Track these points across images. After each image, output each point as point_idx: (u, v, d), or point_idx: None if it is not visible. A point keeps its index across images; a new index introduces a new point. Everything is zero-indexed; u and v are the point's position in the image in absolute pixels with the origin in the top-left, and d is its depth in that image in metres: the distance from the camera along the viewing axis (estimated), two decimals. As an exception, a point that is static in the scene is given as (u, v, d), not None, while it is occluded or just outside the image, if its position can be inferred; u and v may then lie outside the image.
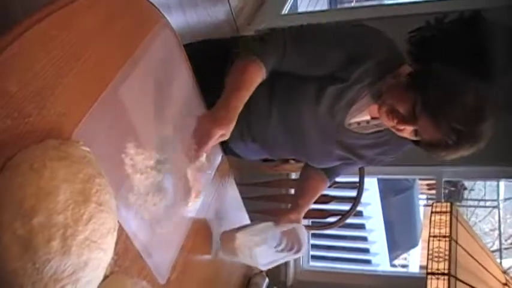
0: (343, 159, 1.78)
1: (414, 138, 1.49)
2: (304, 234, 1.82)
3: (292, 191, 3.11)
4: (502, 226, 6.80)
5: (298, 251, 1.82)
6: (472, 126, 1.37)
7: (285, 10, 4.02)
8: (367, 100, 1.59)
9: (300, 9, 4.64)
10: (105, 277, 1.03)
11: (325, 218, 2.57)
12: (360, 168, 2.41)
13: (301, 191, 1.93)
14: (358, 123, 1.65)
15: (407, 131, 1.47)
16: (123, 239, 1.14)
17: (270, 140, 1.75)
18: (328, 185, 1.98)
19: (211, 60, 1.70)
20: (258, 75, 1.51)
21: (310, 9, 4.97)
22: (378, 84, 1.56)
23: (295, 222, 1.81)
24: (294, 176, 3.00)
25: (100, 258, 0.91)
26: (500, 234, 6.53)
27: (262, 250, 1.67)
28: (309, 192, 1.92)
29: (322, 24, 1.65)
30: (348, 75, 1.54)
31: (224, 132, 1.42)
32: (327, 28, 1.63)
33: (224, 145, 1.79)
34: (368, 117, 1.64)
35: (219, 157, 1.73)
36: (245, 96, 1.47)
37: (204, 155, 1.49)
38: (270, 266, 1.76)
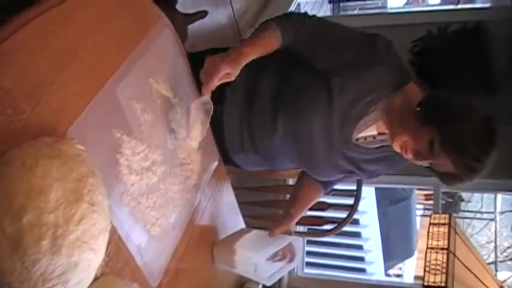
0: (346, 172, 1.78)
1: (427, 166, 1.51)
2: (299, 245, 1.81)
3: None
4: (498, 239, 6.81)
5: (291, 261, 1.80)
6: (486, 160, 1.40)
7: (288, 15, 4.01)
8: (375, 115, 1.59)
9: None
10: (96, 278, 1.02)
11: (322, 225, 2.56)
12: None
13: (294, 200, 1.92)
14: (365, 138, 1.64)
15: (421, 162, 1.49)
16: (115, 240, 1.13)
17: (273, 152, 1.74)
18: (323, 195, 1.96)
19: None
20: (273, 40, 1.56)
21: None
22: (386, 100, 1.56)
23: (287, 232, 1.81)
24: (291, 181, 2.99)
25: (91, 259, 0.90)
26: (496, 247, 6.53)
27: (262, 263, 1.66)
28: (302, 201, 1.91)
29: (339, 24, 1.67)
30: (354, 74, 1.55)
31: (230, 72, 1.43)
32: (344, 26, 1.65)
33: (225, 156, 1.78)
34: (375, 133, 1.64)
35: (215, 161, 1.72)
36: (257, 49, 1.51)
37: (209, 94, 1.46)
38: (274, 281, 1.75)
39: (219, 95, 1.64)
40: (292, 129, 1.63)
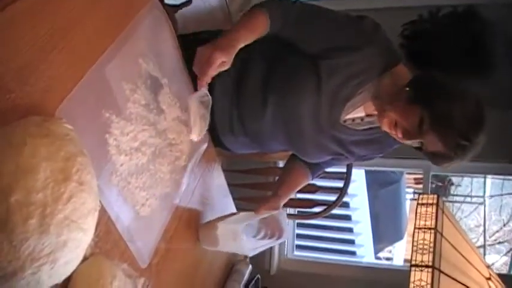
0: (335, 154, 1.78)
1: (416, 146, 1.51)
2: (284, 220, 1.82)
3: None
4: (487, 223, 6.86)
5: (280, 237, 1.81)
6: (476, 139, 1.41)
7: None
8: (363, 97, 1.59)
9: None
10: (85, 258, 1.02)
11: (311, 207, 2.57)
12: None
13: (282, 182, 1.92)
14: (353, 119, 1.64)
15: (410, 141, 1.49)
16: (104, 221, 1.13)
17: (262, 134, 1.74)
18: (311, 179, 1.97)
19: None
20: (263, 25, 1.55)
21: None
22: (374, 82, 1.56)
23: (273, 210, 1.81)
24: (281, 164, 2.99)
25: (80, 238, 0.90)
26: (484, 231, 6.58)
27: (244, 238, 1.66)
28: (289, 184, 1.91)
29: (328, 9, 1.67)
30: (342, 57, 1.55)
31: (225, 60, 1.42)
32: (330, 10, 1.65)
33: (214, 138, 1.78)
34: (363, 114, 1.64)
35: (205, 142, 1.72)
36: (247, 35, 1.50)
37: (206, 87, 1.46)
38: (257, 252, 1.75)
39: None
40: (282, 113, 1.64)
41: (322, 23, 1.60)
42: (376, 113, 1.58)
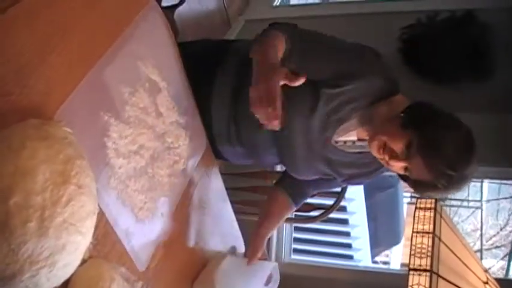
0: (324, 174, 1.77)
1: (402, 173, 1.50)
2: (276, 270, 1.81)
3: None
4: (483, 227, 6.86)
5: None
6: (463, 171, 1.40)
7: (277, 2, 4.00)
8: (356, 122, 1.58)
9: (292, 2, 4.62)
10: (83, 261, 1.02)
11: (309, 211, 2.57)
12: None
13: (265, 216, 1.90)
14: (345, 142, 1.64)
15: (397, 166, 1.48)
16: (103, 224, 1.13)
17: (258, 147, 1.73)
18: (294, 209, 1.97)
19: (203, 60, 1.70)
20: (281, 46, 1.50)
21: (302, 1, 4.95)
22: (370, 109, 1.55)
23: (263, 256, 1.82)
24: (279, 168, 3.00)
25: (78, 241, 0.90)
26: (481, 235, 6.58)
27: None
28: (273, 218, 1.90)
29: (328, 36, 1.65)
30: (343, 84, 1.53)
31: (282, 78, 1.32)
32: (330, 37, 1.64)
33: (212, 148, 1.78)
34: (355, 138, 1.63)
35: (203, 145, 1.72)
36: (275, 54, 1.44)
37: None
38: None
39: (207, 88, 1.64)
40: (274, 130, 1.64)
41: (323, 52, 1.58)
42: (368, 138, 1.58)
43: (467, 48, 2.64)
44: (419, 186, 1.48)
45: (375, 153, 1.52)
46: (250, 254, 1.79)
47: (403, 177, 1.52)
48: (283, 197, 1.91)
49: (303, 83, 1.50)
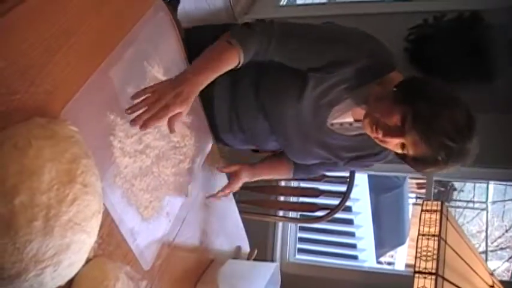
0: (323, 158, 1.76)
1: (399, 151, 1.46)
2: (277, 270, 1.82)
3: (283, 183, 3.12)
4: (489, 228, 6.84)
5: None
6: (462, 144, 1.35)
7: (283, 1, 3.99)
8: (349, 103, 1.56)
9: (299, 1, 4.61)
10: (88, 260, 1.02)
11: (314, 211, 2.56)
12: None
13: (265, 162, 1.95)
14: (341, 124, 1.63)
15: (392, 144, 1.44)
16: (108, 223, 1.13)
17: (258, 135, 1.73)
18: (290, 176, 1.98)
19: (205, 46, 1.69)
20: (232, 62, 1.43)
21: (309, 1, 4.94)
22: (362, 88, 1.53)
23: (235, 172, 1.84)
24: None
25: (83, 241, 0.90)
26: (486, 237, 6.56)
27: None
28: (270, 168, 1.94)
29: (310, 24, 1.62)
30: (331, 71, 1.52)
31: (181, 112, 1.24)
32: (316, 26, 1.61)
33: (215, 134, 1.78)
34: (351, 119, 1.62)
35: (209, 144, 1.72)
36: (213, 77, 1.37)
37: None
38: None
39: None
40: (269, 117, 1.63)
41: (306, 43, 1.55)
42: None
43: (472, 49, 2.64)
44: (419, 163, 1.43)
45: (368, 131, 1.49)
46: (223, 188, 1.80)
47: (402, 157, 1.49)
48: (287, 161, 1.92)
49: (291, 71, 1.48)
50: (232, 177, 1.84)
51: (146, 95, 1.20)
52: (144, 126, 1.17)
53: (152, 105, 1.19)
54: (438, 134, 1.33)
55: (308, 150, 1.71)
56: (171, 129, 1.23)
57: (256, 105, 1.64)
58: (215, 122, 1.75)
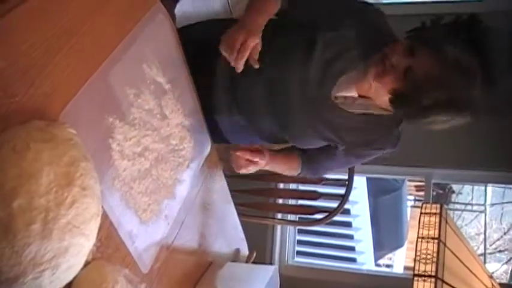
0: (324, 139, 1.73)
1: (399, 85, 1.44)
2: (275, 273, 1.82)
3: (282, 186, 3.12)
4: (487, 231, 6.85)
5: None
6: (465, 89, 1.39)
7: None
8: (356, 74, 1.56)
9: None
10: (87, 263, 1.02)
11: (313, 214, 2.56)
12: (349, 167, 2.39)
13: (279, 154, 1.89)
14: (345, 97, 1.61)
15: (398, 69, 1.43)
16: (106, 226, 1.12)
17: (255, 113, 1.70)
18: (298, 171, 1.93)
19: (205, 41, 1.69)
20: (276, 5, 1.59)
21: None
22: (369, 62, 1.53)
23: (265, 154, 1.75)
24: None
25: (82, 244, 0.89)
26: (485, 239, 6.57)
27: None
28: (283, 159, 1.89)
29: None
30: (338, 24, 1.56)
31: (258, 42, 1.43)
32: None
33: (211, 126, 1.75)
34: (355, 94, 1.61)
35: (208, 147, 1.72)
36: (266, 19, 1.52)
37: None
38: None
39: (212, 60, 1.67)
40: (270, 85, 1.62)
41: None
42: (368, 95, 1.56)
43: (471, 51, 2.63)
44: (425, 86, 1.41)
45: (371, 79, 1.49)
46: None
47: (399, 96, 1.46)
48: (297, 156, 1.90)
49: (298, 28, 1.55)
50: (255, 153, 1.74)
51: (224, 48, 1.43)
52: (236, 66, 1.42)
53: (233, 48, 1.40)
54: (453, 49, 1.37)
55: (311, 125, 1.67)
56: (255, 63, 1.43)
57: (256, 81, 1.61)
58: (214, 106, 1.74)
